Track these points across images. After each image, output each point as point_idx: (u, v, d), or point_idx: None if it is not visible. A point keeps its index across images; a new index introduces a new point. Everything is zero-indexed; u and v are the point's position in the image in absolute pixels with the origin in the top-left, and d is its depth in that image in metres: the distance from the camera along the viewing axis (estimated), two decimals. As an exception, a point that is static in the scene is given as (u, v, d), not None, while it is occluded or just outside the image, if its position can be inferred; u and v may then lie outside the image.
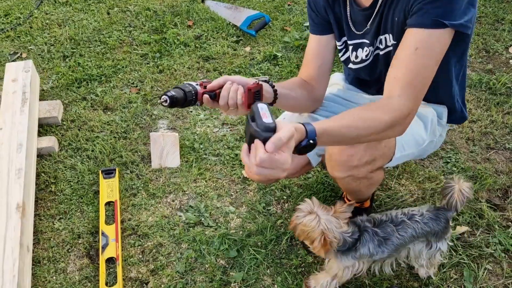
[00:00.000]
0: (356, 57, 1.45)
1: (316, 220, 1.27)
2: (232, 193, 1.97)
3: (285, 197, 1.93)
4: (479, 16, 3.07)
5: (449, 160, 2.07)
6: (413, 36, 1.15)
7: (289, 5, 3.26)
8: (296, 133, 0.99)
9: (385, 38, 1.32)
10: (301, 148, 1.05)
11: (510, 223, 1.81)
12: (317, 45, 1.48)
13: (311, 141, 1.04)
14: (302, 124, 1.04)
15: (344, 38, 1.46)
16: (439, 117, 1.50)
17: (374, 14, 1.30)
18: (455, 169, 2.03)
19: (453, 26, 1.12)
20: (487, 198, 1.90)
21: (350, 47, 1.45)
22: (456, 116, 1.56)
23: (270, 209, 1.89)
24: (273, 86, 1.32)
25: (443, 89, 1.42)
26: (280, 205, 1.91)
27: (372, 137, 1.17)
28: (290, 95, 1.38)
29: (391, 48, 1.33)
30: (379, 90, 1.53)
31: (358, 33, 1.38)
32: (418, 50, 1.14)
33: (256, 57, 2.76)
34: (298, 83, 1.46)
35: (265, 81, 1.31)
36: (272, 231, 1.79)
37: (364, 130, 1.13)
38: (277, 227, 1.81)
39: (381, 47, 1.35)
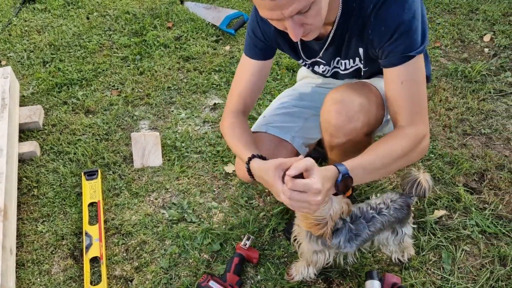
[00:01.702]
0: (316, 70, 1.52)
1: (329, 207, 1.28)
2: (215, 189, 1.99)
3: (267, 190, 1.96)
4: (454, 7, 3.14)
5: (426, 147, 2.11)
6: (393, 74, 1.25)
7: (267, 3, 3.29)
8: (328, 173, 1.15)
9: (345, 62, 1.40)
10: (339, 185, 1.17)
11: (486, 205, 1.85)
12: (257, 68, 1.46)
13: (346, 175, 1.16)
14: (335, 165, 1.18)
15: (304, 56, 1.48)
16: None
17: (326, 45, 1.36)
18: (432, 155, 2.07)
19: (419, 53, 1.22)
20: (464, 182, 1.95)
21: (308, 64, 1.51)
22: None
23: (252, 203, 1.91)
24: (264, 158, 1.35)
25: None
26: (262, 198, 1.94)
27: (398, 163, 1.26)
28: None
29: (354, 68, 1.42)
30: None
31: (317, 56, 1.44)
32: (404, 83, 1.24)
33: (236, 56, 2.79)
34: (249, 132, 1.49)
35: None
36: (255, 223, 1.81)
37: (390, 159, 1.23)
38: (259, 220, 1.84)
39: (341, 67, 1.44)
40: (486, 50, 2.74)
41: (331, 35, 1.32)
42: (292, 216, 1.82)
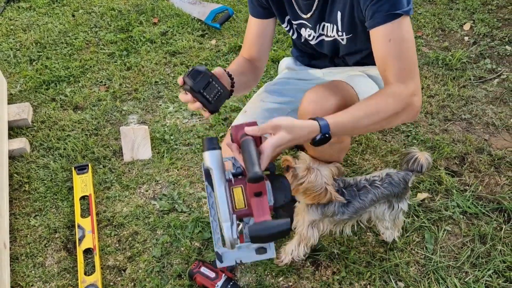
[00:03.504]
0: (300, 35, 1.53)
1: (320, 177, 1.33)
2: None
3: (255, 179, 2.01)
4: (435, -3, 3.20)
5: (409, 134, 2.18)
6: (380, 33, 1.25)
7: (252, -3, 3.33)
8: (306, 129, 1.14)
9: (327, 26, 1.42)
10: (316, 142, 1.17)
11: (467, 187, 1.92)
12: (258, 28, 1.54)
13: (326, 135, 1.16)
14: (315, 119, 1.16)
15: (287, 18, 1.52)
16: None
17: (315, 3, 1.38)
18: (415, 141, 2.13)
19: (405, 12, 1.23)
20: (445, 166, 2.01)
21: (294, 26, 1.52)
22: None
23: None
24: (232, 79, 1.39)
25: None
26: (250, 187, 1.98)
27: (383, 123, 1.26)
28: (242, 80, 1.46)
29: (337, 37, 1.43)
30: (333, 61, 1.62)
31: (303, 16, 1.45)
32: (391, 41, 1.24)
33: (222, 49, 2.82)
34: (246, 67, 1.53)
35: (228, 75, 1.39)
36: (244, 211, 1.86)
37: (374, 116, 1.22)
38: (248, 208, 1.88)
39: (324, 33, 1.46)
40: (466, 38, 2.81)
41: None
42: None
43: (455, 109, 2.31)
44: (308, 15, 1.42)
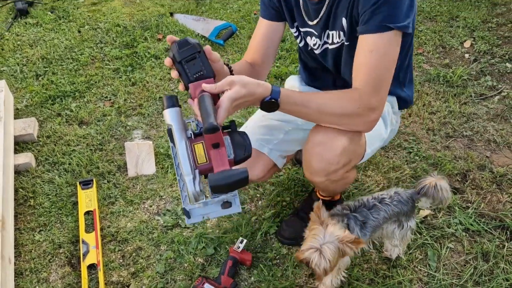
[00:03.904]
0: (307, 44, 1.54)
1: (326, 262, 1.31)
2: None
3: (258, 195, 2.02)
4: (435, 15, 3.25)
5: (411, 150, 2.20)
6: (365, 41, 1.26)
7: (255, 14, 3.39)
8: (260, 88, 1.17)
9: (333, 34, 1.42)
10: (264, 103, 1.20)
11: (469, 204, 1.93)
12: (266, 30, 1.55)
13: (273, 100, 1.19)
14: (271, 84, 1.21)
15: (296, 24, 1.53)
16: (391, 106, 1.62)
17: (323, 8, 1.38)
18: (417, 158, 2.15)
19: (398, 28, 1.23)
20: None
21: (302, 33, 1.53)
22: (403, 103, 1.66)
23: (244, 207, 1.97)
24: (231, 71, 1.39)
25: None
26: (254, 203, 2.00)
27: (332, 118, 1.29)
28: None
29: (339, 44, 1.43)
30: (335, 83, 1.64)
31: (310, 23, 1.47)
32: (372, 52, 1.24)
33: (225, 65, 2.86)
34: (247, 70, 1.53)
35: (228, 67, 1.39)
36: (247, 227, 1.87)
37: (323, 106, 1.27)
38: (251, 224, 1.89)
39: (329, 41, 1.45)
40: (466, 55, 2.85)
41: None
42: (282, 219, 1.88)
43: (457, 126, 2.33)
44: (315, 21, 1.43)
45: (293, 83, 1.84)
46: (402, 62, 1.49)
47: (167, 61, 1.18)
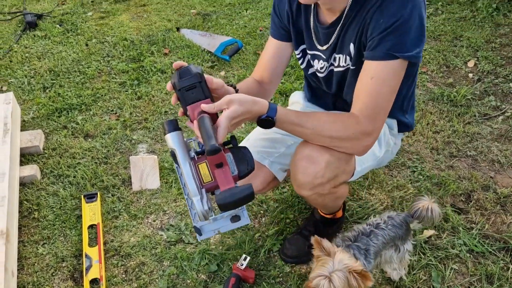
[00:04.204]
0: (313, 65, 1.55)
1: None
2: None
3: (262, 212, 2.02)
4: (439, 34, 3.28)
5: (415, 169, 2.20)
6: (370, 67, 1.27)
7: (260, 30, 3.43)
8: (257, 105, 1.20)
9: (339, 57, 1.43)
10: (260, 121, 1.24)
11: (473, 225, 1.93)
12: (276, 49, 1.57)
13: (270, 118, 1.23)
14: (269, 102, 1.24)
15: (303, 47, 1.54)
16: (390, 128, 1.63)
17: (334, 34, 1.40)
18: (421, 177, 2.15)
19: (404, 57, 1.24)
20: (451, 203, 2.02)
21: (309, 56, 1.54)
22: (404, 127, 1.67)
23: (247, 224, 1.97)
24: (236, 91, 1.41)
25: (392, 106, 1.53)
26: (257, 219, 2.00)
27: (326, 140, 1.32)
28: None
29: (345, 68, 1.44)
30: (335, 104, 1.65)
31: (319, 47, 1.48)
32: (373, 79, 1.26)
33: (230, 81, 2.88)
34: (255, 88, 1.55)
35: (233, 87, 1.41)
36: (250, 244, 1.87)
37: (321, 129, 1.30)
38: (255, 241, 1.89)
39: (335, 64, 1.46)
40: (470, 75, 2.87)
41: (340, 23, 1.35)
42: (286, 236, 1.88)
43: (461, 146, 2.34)
44: (325, 47, 1.45)
45: (297, 99, 1.86)
46: (407, 90, 1.51)
47: (169, 86, 1.21)
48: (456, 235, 1.88)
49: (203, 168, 1.13)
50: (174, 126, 1.16)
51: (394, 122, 1.62)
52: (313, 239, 1.35)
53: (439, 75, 2.88)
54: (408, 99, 1.57)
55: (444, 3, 3.65)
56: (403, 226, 1.52)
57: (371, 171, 2.15)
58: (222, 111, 1.17)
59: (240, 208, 1.15)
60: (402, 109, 1.58)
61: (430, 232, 1.89)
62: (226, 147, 1.18)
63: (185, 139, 1.17)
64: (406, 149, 2.32)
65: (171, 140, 1.14)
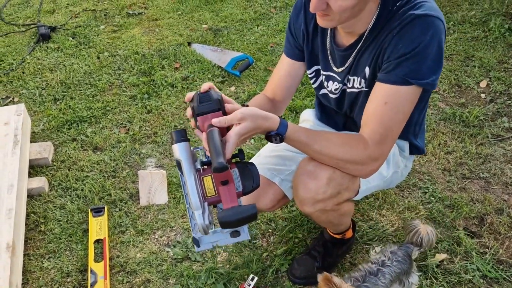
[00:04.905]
0: (327, 86, 1.54)
1: None
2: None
3: (270, 230, 1.99)
4: (451, 54, 3.26)
5: (427, 190, 2.16)
6: (383, 90, 1.25)
7: (271, 46, 3.43)
8: (268, 121, 1.20)
9: (354, 79, 1.42)
10: (269, 136, 1.23)
11: (487, 249, 1.88)
12: (289, 68, 1.57)
13: (280, 135, 1.23)
14: (280, 117, 1.24)
15: (316, 67, 1.53)
16: (401, 149, 1.60)
17: (351, 57, 1.38)
18: (432, 198, 2.12)
19: (420, 84, 1.22)
20: (464, 226, 1.98)
21: (323, 76, 1.53)
22: (415, 150, 1.64)
23: (256, 243, 1.94)
24: None
25: (404, 129, 1.44)
26: (265, 238, 1.97)
27: (333, 161, 1.31)
28: None
29: (358, 90, 1.43)
30: (345, 125, 1.63)
31: (335, 69, 1.47)
32: (387, 104, 1.24)
33: (240, 96, 2.88)
34: (267, 106, 1.54)
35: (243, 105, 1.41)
36: (258, 263, 1.83)
37: (329, 150, 1.29)
38: (263, 260, 1.86)
39: (349, 85, 1.45)
40: (482, 95, 2.84)
41: (358, 46, 1.34)
42: (295, 256, 1.85)
43: (473, 167, 2.30)
44: (340, 69, 1.44)
45: (307, 116, 1.84)
46: (418, 115, 1.49)
47: (188, 112, 1.22)
48: (469, 259, 1.84)
49: (208, 181, 1.13)
50: (182, 136, 1.16)
51: (406, 144, 1.60)
52: (322, 277, 1.31)
53: (451, 95, 2.86)
54: (420, 124, 1.55)
55: (455, 22, 3.64)
56: (406, 260, 1.50)
57: (382, 191, 2.12)
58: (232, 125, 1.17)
59: None
60: (414, 133, 1.57)
61: (443, 256, 1.84)
62: (233, 160, 1.18)
63: (191, 148, 1.16)
64: (417, 169, 2.29)
65: (179, 150, 1.14)
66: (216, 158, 1.04)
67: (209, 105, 1.17)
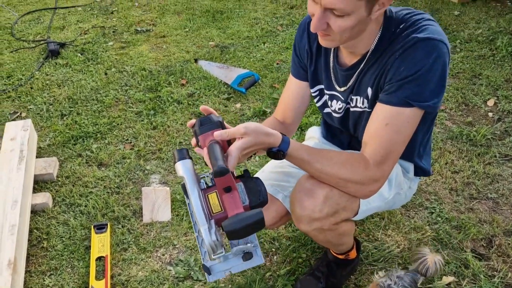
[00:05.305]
0: (331, 105, 1.53)
1: None
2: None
3: (274, 250, 1.97)
4: (458, 72, 3.25)
5: (433, 211, 2.13)
6: (384, 112, 1.25)
7: (277, 63, 3.45)
8: (270, 138, 1.20)
9: (356, 99, 1.41)
10: (270, 152, 1.22)
11: (495, 272, 1.83)
12: (297, 89, 1.57)
13: (280, 153, 1.22)
14: (283, 134, 1.24)
15: (320, 87, 1.53)
16: (406, 171, 1.58)
17: (353, 76, 1.38)
18: (439, 219, 2.08)
19: (421, 107, 1.22)
20: (472, 248, 1.94)
21: (327, 96, 1.52)
22: (420, 171, 1.61)
23: (261, 264, 1.91)
24: None
25: (408, 150, 1.44)
26: (269, 257, 1.94)
27: (333, 180, 1.30)
28: None
29: (362, 110, 1.42)
30: (350, 143, 1.62)
31: (338, 88, 1.46)
32: (388, 125, 1.24)
33: (246, 113, 2.88)
34: (278, 129, 1.51)
35: None
36: (261, 284, 1.80)
37: (330, 169, 1.28)
38: (265, 280, 1.83)
39: (352, 104, 1.44)
40: (490, 114, 2.81)
41: (360, 66, 1.33)
42: (298, 277, 1.81)
43: (481, 187, 2.26)
44: (343, 88, 1.43)
45: (313, 134, 1.84)
46: (423, 137, 1.47)
47: (193, 141, 1.23)
48: (477, 283, 1.79)
49: (213, 198, 1.10)
50: (184, 154, 1.14)
51: (411, 166, 1.58)
52: None
53: (458, 113, 2.84)
54: (424, 145, 1.53)
55: (462, 41, 3.64)
56: (412, 286, 1.47)
57: (388, 211, 2.09)
58: (234, 139, 1.17)
59: (253, 244, 1.11)
60: (418, 154, 1.55)
61: (450, 278, 1.80)
62: (238, 178, 1.16)
63: (197, 173, 1.14)
64: (423, 189, 2.25)
65: (181, 168, 1.11)
66: (216, 162, 1.03)
67: (210, 126, 1.17)
